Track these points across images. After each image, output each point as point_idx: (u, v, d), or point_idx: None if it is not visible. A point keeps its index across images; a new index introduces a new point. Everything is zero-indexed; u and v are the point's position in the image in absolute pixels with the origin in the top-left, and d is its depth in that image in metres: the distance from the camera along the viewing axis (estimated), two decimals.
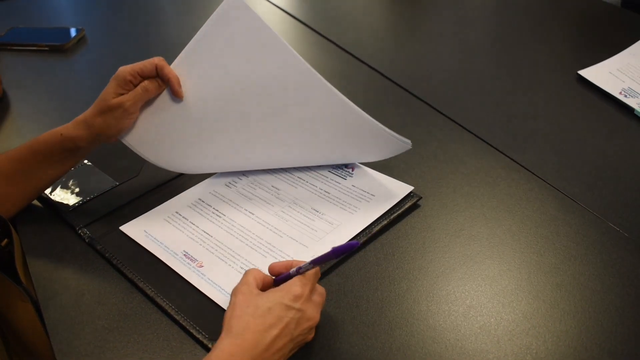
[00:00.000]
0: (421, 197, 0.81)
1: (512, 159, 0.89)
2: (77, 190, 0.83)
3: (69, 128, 0.74)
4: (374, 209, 0.79)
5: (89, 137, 0.74)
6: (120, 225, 0.77)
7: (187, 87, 0.77)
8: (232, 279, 0.69)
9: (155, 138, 0.79)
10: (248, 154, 0.83)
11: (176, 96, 0.76)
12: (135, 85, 0.74)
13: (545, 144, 0.93)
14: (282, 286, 0.59)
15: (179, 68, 0.76)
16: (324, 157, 0.84)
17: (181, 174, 0.85)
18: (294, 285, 0.59)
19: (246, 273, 0.61)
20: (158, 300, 0.67)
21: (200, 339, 0.63)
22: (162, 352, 0.62)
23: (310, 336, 0.61)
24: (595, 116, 1.01)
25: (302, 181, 0.84)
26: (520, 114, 1.01)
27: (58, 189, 0.83)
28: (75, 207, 0.80)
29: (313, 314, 0.59)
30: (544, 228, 0.77)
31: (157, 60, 0.75)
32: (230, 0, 0.71)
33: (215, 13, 0.72)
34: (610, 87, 1.04)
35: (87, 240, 0.75)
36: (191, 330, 0.63)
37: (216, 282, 0.69)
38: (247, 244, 0.74)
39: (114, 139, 0.77)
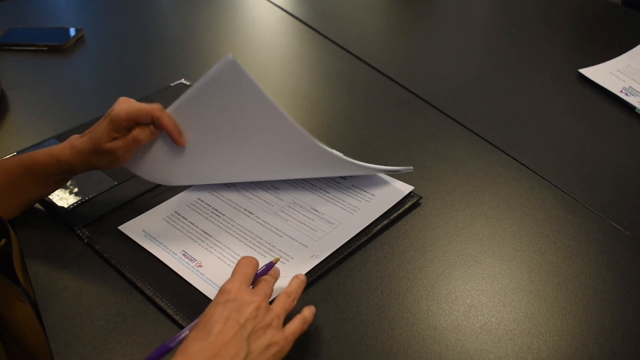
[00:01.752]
0: (421, 197, 0.81)
1: (512, 158, 0.89)
2: (75, 190, 0.83)
3: (65, 153, 0.73)
4: (374, 209, 0.78)
5: (85, 167, 0.74)
6: (119, 225, 0.77)
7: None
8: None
9: (148, 162, 0.78)
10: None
11: (177, 144, 0.75)
12: (130, 129, 0.72)
13: (546, 143, 0.93)
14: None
15: (172, 115, 0.75)
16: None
17: None
18: (225, 284, 0.59)
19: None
20: (157, 300, 0.67)
21: None
22: None
23: (269, 316, 0.57)
24: (596, 114, 1.00)
25: (301, 180, 0.84)
26: (520, 113, 1.01)
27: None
28: (73, 207, 0.80)
29: (251, 297, 0.57)
30: (545, 227, 0.76)
31: (156, 110, 0.72)
32: (226, 61, 0.70)
33: (211, 71, 0.71)
34: (611, 86, 1.04)
35: (85, 241, 0.75)
36: None
37: (215, 282, 0.68)
38: (246, 244, 0.74)
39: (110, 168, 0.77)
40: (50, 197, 0.81)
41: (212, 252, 0.72)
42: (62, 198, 0.81)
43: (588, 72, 1.09)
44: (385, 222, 0.77)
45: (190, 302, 0.66)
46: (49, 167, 0.74)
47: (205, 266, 0.70)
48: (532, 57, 1.20)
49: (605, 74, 1.08)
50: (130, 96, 0.72)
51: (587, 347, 0.61)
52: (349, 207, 0.79)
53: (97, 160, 0.73)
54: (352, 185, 0.82)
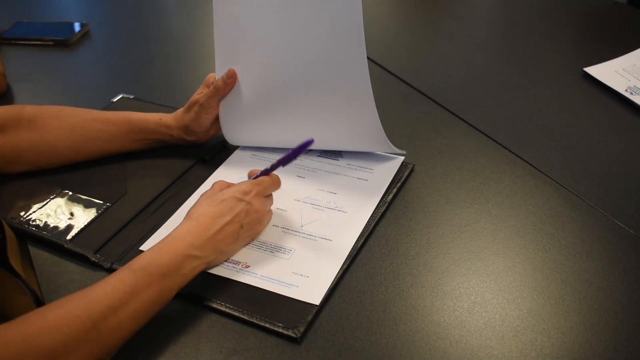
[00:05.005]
0: (414, 164, 0.86)
1: (517, 156, 0.89)
2: (71, 219, 0.78)
3: (166, 115, 0.87)
4: (381, 179, 0.82)
5: (178, 127, 0.86)
6: (138, 245, 0.73)
7: (240, 67, 0.83)
8: (282, 267, 0.70)
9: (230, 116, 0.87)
10: (285, 127, 0.86)
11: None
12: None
13: (551, 141, 0.93)
14: (235, 184, 0.71)
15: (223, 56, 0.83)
16: (327, 137, 0.86)
17: (175, 181, 0.84)
18: (244, 184, 0.71)
19: (214, 183, 0.72)
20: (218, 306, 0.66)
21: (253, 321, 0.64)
22: (168, 347, 0.62)
23: (261, 227, 0.73)
24: (600, 113, 1.00)
25: (305, 171, 0.85)
26: (525, 111, 1.01)
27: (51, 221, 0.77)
28: (75, 236, 0.75)
29: (260, 206, 0.70)
30: (549, 224, 0.76)
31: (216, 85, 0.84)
32: None
33: None
34: (616, 85, 1.04)
35: (106, 267, 0.71)
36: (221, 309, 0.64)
37: (271, 276, 0.68)
38: (282, 230, 0.75)
39: (200, 135, 0.87)
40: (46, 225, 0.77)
41: (250, 249, 0.72)
42: (60, 230, 0.76)
43: (593, 70, 1.08)
44: (390, 197, 0.80)
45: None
46: (149, 124, 0.86)
47: (253, 265, 0.70)
48: (537, 55, 1.20)
49: (611, 73, 1.08)
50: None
51: (591, 344, 0.61)
52: (359, 180, 0.83)
53: (187, 117, 0.85)
54: (348, 164, 0.86)
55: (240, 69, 0.83)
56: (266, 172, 0.73)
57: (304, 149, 0.69)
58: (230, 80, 0.83)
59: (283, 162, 0.72)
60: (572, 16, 1.39)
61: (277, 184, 0.74)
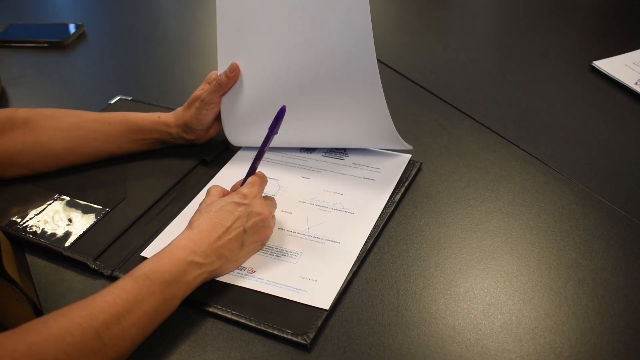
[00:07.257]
0: (422, 162, 0.84)
1: (526, 152, 0.87)
2: (68, 224, 0.75)
3: (165, 114, 0.85)
4: (388, 178, 0.80)
5: (177, 125, 0.84)
6: (140, 252, 0.71)
7: (243, 65, 0.81)
8: (289, 271, 0.67)
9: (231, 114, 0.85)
10: (292, 127, 0.80)
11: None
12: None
13: (560, 136, 0.91)
14: (234, 192, 0.70)
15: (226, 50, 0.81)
16: (337, 136, 0.84)
17: (176, 184, 0.82)
18: (243, 188, 0.69)
19: (209, 189, 0.70)
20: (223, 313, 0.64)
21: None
22: (172, 357, 0.60)
23: (268, 231, 0.70)
24: (610, 107, 0.98)
25: (310, 171, 0.83)
26: (533, 106, 0.99)
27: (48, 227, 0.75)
28: (74, 243, 0.72)
29: (261, 209, 0.68)
30: (563, 222, 0.74)
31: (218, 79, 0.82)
32: None
33: None
34: (625, 78, 1.02)
35: (107, 274, 0.68)
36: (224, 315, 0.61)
37: (278, 281, 0.66)
38: (288, 233, 0.73)
39: (200, 133, 0.85)
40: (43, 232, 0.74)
41: (256, 254, 0.70)
42: (60, 236, 0.73)
43: (602, 64, 1.07)
44: (398, 196, 0.78)
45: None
46: (148, 122, 0.84)
47: (259, 270, 0.68)
48: (544, 50, 1.18)
49: (620, 66, 1.06)
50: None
51: (612, 345, 0.59)
52: (364, 181, 0.80)
53: (187, 113, 0.83)
54: (354, 164, 0.84)
55: (243, 66, 0.81)
56: (252, 172, 0.71)
57: (280, 119, 0.69)
58: (233, 74, 0.81)
59: (262, 150, 0.70)
60: (579, 11, 1.38)
61: (264, 179, 0.72)
